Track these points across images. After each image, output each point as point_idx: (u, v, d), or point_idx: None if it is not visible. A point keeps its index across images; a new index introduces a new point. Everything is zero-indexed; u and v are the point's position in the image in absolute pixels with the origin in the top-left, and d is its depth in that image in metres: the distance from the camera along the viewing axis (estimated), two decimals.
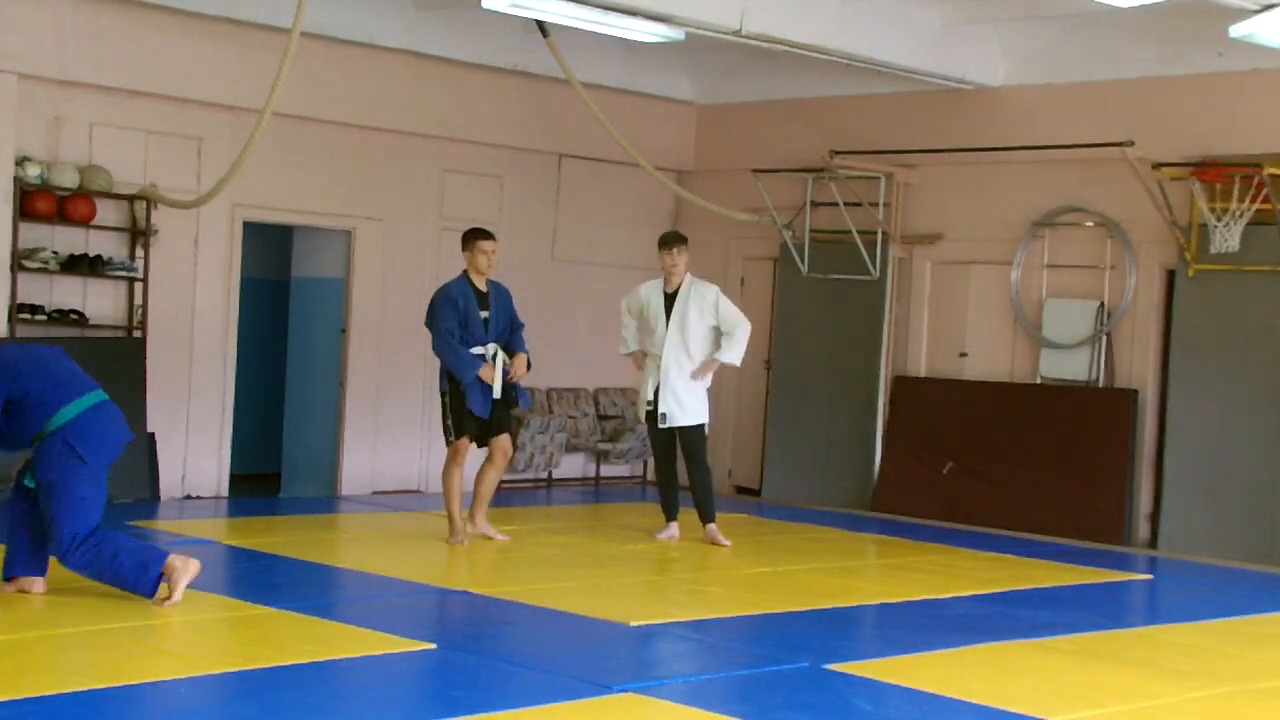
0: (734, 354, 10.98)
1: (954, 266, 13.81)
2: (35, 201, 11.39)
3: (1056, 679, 7.33)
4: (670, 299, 11.07)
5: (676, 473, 11.27)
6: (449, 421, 10.50)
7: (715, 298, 11.01)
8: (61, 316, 11.60)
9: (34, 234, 11.53)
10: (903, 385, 14.02)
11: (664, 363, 10.98)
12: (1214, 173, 11.84)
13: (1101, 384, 12.87)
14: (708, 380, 11.10)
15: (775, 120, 14.76)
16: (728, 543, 10.96)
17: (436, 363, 13.65)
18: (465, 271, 10.54)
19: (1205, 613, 9.53)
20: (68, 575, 8.55)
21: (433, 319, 10.43)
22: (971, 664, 7.54)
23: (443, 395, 10.52)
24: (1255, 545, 11.88)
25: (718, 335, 11.02)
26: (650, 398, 11.07)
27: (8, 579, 7.92)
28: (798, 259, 14.31)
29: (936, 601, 9.31)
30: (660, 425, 11.06)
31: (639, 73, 14.57)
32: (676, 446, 11.19)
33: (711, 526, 11.08)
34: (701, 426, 11.13)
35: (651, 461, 13.72)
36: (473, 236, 10.54)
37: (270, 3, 11.76)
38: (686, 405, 11.02)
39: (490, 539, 10.72)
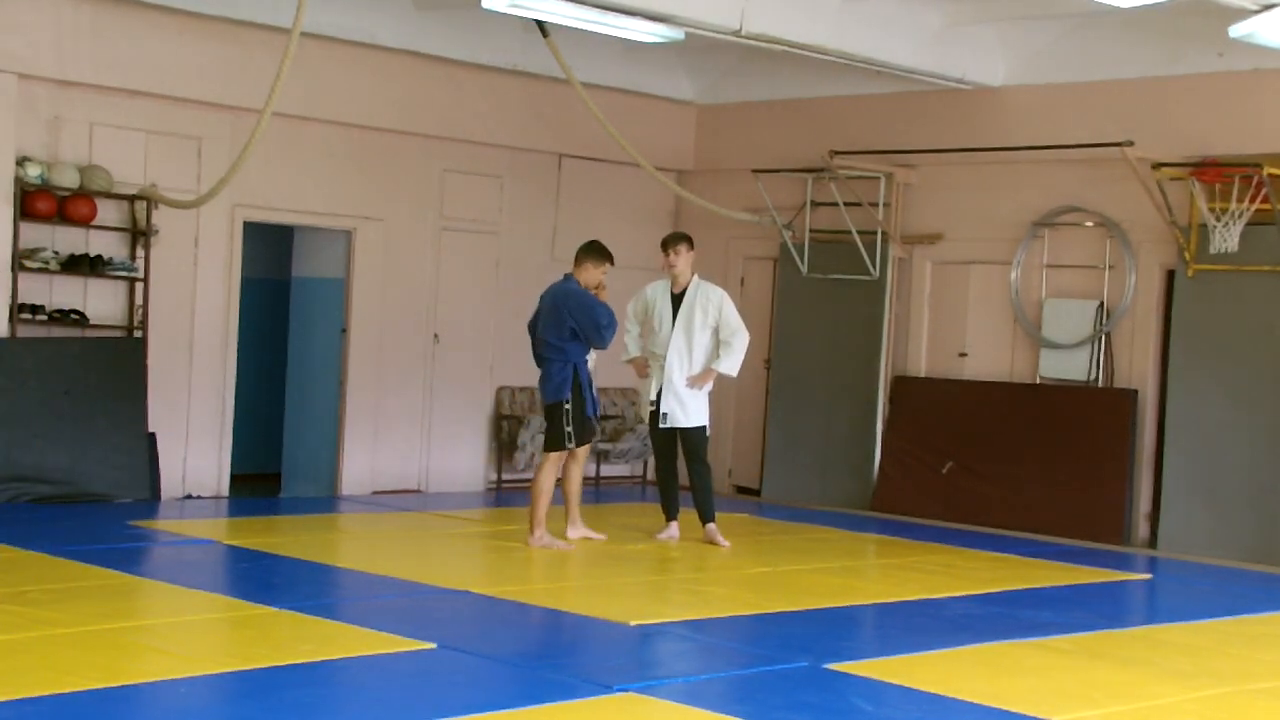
0: (731, 364, 11.00)
1: (954, 266, 13.81)
2: (35, 201, 11.39)
3: (1056, 679, 7.33)
4: (677, 300, 11.09)
5: (677, 473, 11.27)
6: (570, 429, 10.46)
7: (720, 300, 11.03)
8: (62, 316, 11.60)
9: (34, 234, 11.53)
10: (903, 385, 14.02)
11: (667, 363, 11.00)
12: (1214, 173, 11.83)
13: (1101, 384, 12.87)
14: (708, 385, 11.12)
15: (775, 120, 14.76)
16: (726, 543, 10.96)
17: (437, 365, 13.74)
18: (573, 279, 10.56)
19: (1205, 613, 9.53)
20: (68, 576, 8.57)
21: (594, 314, 10.33)
22: (971, 664, 7.54)
23: (563, 403, 10.45)
24: (1255, 545, 11.88)
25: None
26: (653, 398, 11.09)
27: None
28: (798, 259, 14.31)
29: (936, 601, 9.31)
30: (661, 425, 11.07)
31: (639, 73, 14.56)
32: (677, 447, 11.20)
33: (711, 526, 11.08)
34: (703, 428, 11.14)
35: (652, 461, 13.72)
36: (605, 257, 10.61)
37: (270, 3, 11.76)
38: (689, 406, 11.04)
39: (590, 539, 10.81)
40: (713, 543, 10.99)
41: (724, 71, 14.89)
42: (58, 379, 11.53)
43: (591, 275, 10.57)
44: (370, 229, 13.36)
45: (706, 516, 11.09)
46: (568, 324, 10.35)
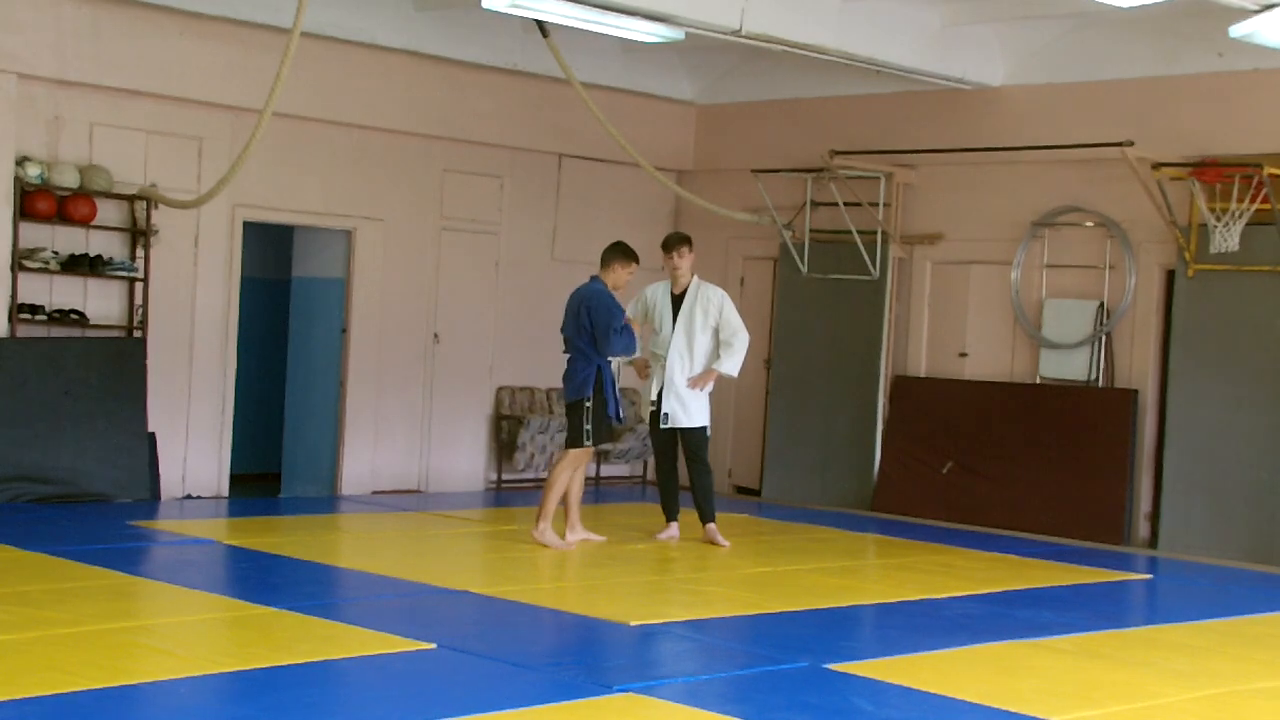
0: (732, 365, 11.02)
1: (954, 266, 13.81)
2: (35, 201, 11.39)
3: (1056, 679, 7.34)
4: (678, 301, 11.10)
5: (677, 473, 11.28)
6: (589, 427, 10.51)
7: (720, 301, 11.06)
8: (62, 316, 11.60)
9: (34, 234, 11.53)
10: (903, 385, 14.02)
11: (668, 364, 11.01)
12: (1214, 173, 11.83)
13: (1101, 384, 12.87)
14: (709, 387, 11.14)
15: (775, 120, 14.76)
16: (726, 543, 10.97)
17: (437, 365, 13.74)
18: (599, 280, 10.59)
19: (1205, 613, 9.53)
20: (68, 575, 8.57)
21: (611, 317, 10.40)
22: (971, 664, 7.54)
23: (583, 401, 10.50)
24: (1255, 545, 11.88)
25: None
26: (654, 399, 11.10)
27: None
28: (798, 259, 14.31)
29: (936, 601, 9.31)
30: (662, 426, 11.08)
31: (639, 73, 14.57)
32: (678, 447, 11.21)
33: (711, 526, 11.09)
34: (704, 429, 11.15)
35: (652, 461, 13.72)
36: (632, 257, 10.67)
37: (270, 3, 11.76)
38: (690, 407, 11.05)
39: (590, 540, 10.85)
40: (713, 543, 11.00)
41: (724, 71, 14.89)
42: (58, 379, 11.53)
43: (619, 276, 10.64)
44: (370, 229, 13.36)
45: (707, 517, 11.10)
46: (586, 324, 10.42)
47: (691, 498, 11.16)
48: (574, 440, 10.59)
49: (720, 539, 11.00)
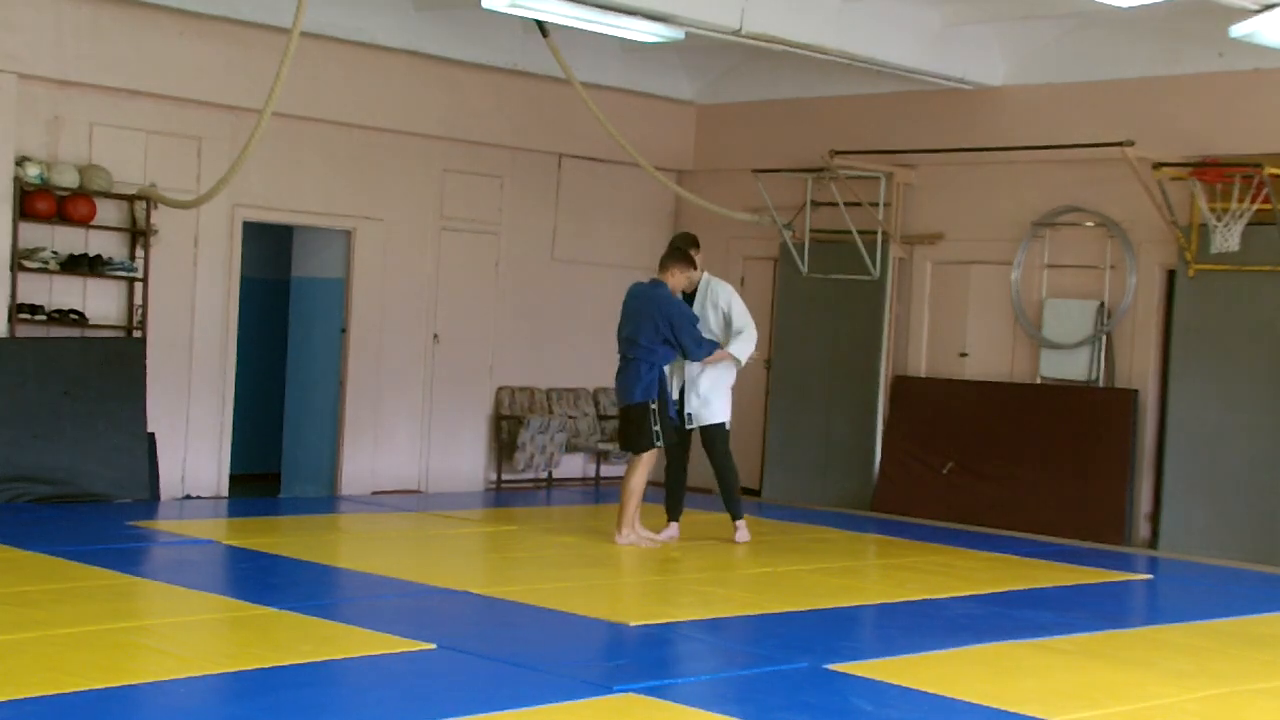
0: (742, 349, 11.06)
1: (954, 266, 13.81)
2: (35, 201, 11.39)
3: (1056, 679, 7.33)
4: (689, 299, 11.11)
5: (685, 475, 11.28)
6: (658, 428, 10.63)
7: (729, 296, 11.11)
8: (61, 316, 11.60)
9: (34, 234, 11.53)
10: (903, 385, 14.02)
11: (687, 362, 10.99)
12: (1214, 173, 11.83)
13: (1101, 384, 12.87)
14: (731, 376, 11.12)
15: (775, 120, 14.76)
16: (747, 536, 11.15)
17: (437, 365, 13.74)
18: (664, 285, 10.69)
19: (1205, 613, 9.53)
20: (68, 576, 8.57)
21: (694, 324, 10.64)
22: (971, 664, 7.54)
23: (649, 404, 10.60)
24: (1255, 545, 11.88)
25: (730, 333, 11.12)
26: (675, 398, 11.09)
27: None
28: (798, 259, 14.31)
29: (936, 601, 9.31)
30: (688, 426, 11.09)
31: (639, 73, 14.57)
32: (689, 450, 11.23)
33: (740, 523, 11.17)
34: (722, 424, 11.16)
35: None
36: (691, 264, 10.78)
37: (270, 3, 11.77)
38: (712, 403, 11.10)
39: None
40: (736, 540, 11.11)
41: (724, 71, 14.89)
42: (58, 379, 11.53)
43: (679, 280, 10.74)
44: (370, 229, 13.35)
45: (734, 515, 11.19)
46: (662, 331, 10.49)
47: (720, 495, 11.32)
48: (645, 443, 10.65)
49: (738, 536, 11.14)
